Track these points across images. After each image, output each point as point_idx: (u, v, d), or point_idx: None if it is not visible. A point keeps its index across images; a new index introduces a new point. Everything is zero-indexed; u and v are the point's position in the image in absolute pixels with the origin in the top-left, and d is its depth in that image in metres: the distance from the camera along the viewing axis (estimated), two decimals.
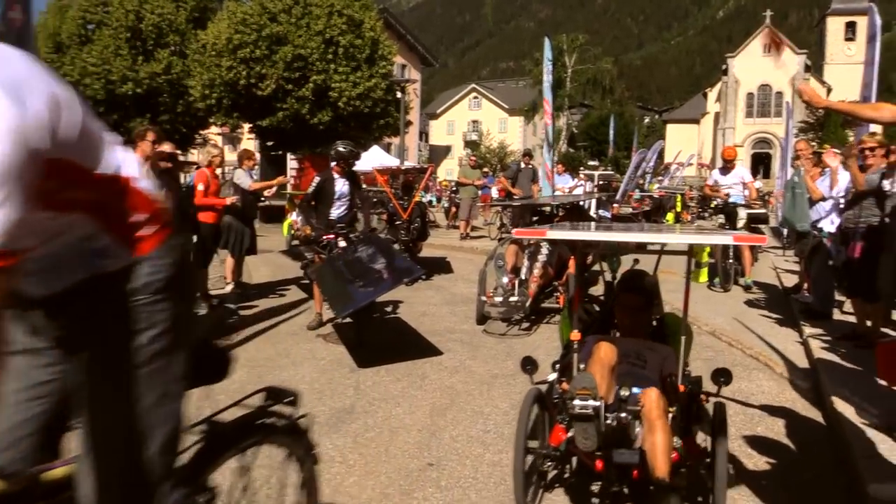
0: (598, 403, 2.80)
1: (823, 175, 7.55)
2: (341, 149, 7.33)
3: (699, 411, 3.31)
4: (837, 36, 66.08)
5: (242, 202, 8.24)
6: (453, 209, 19.02)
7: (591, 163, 43.78)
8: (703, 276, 9.77)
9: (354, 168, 7.70)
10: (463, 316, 7.83)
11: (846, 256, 6.16)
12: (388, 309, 8.11)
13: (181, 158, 17.58)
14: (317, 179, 7.41)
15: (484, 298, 7.29)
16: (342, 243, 6.92)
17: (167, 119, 23.47)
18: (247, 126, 23.29)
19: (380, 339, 6.59)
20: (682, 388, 3.26)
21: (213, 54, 20.61)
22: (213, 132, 27.23)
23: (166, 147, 6.87)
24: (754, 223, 10.11)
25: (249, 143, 31.52)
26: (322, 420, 4.49)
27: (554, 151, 14.54)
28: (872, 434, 3.86)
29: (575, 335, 3.43)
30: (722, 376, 3.26)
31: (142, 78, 22.69)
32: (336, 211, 7.36)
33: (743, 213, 9.72)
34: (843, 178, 6.99)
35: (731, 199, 9.88)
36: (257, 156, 26.28)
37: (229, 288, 8.58)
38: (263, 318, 7.52)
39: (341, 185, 7.35)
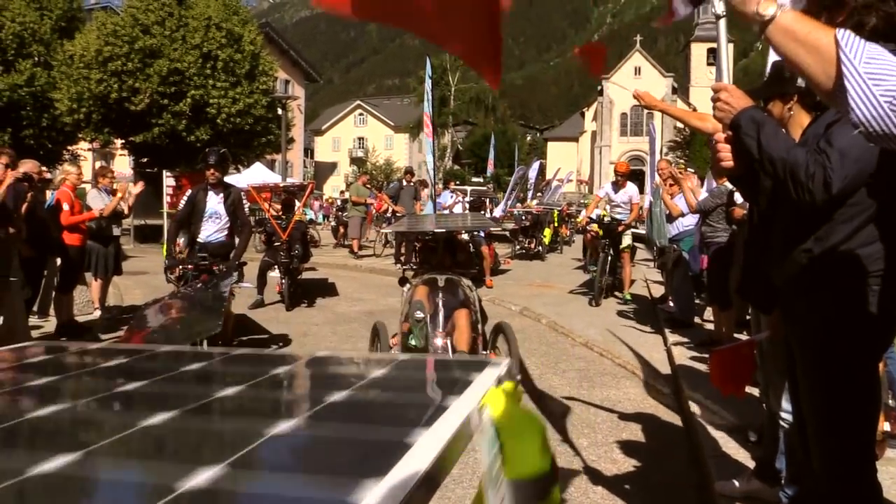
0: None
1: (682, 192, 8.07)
2: (210, 157, 6.25)
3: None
4: (700, 61, 70.55)
5: (97, 222, 7.86)
6: (341, 228, 18.89)
7: (475, 179, 44.62)
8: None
9: (231, 184, 6.70)
10: (344, 336, 7.77)
11: (698, 268, 6.65)
12: (266, 331, 7.91)
13: (47, 175, 16.50)
14: (189, 192, 6.56)
15: None
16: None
17: (31, 134, 22.15)
18: (119, 142, 22.30)
19: None
20: None
21: (81, 66, 19.67)
22: (84, 148, 25.82)
23: (26, 167, 6.49)
24: (637, 242, 10.50)
25: (123, 159, 30.16)
26: None
27: (440, 169, 14.69)
28: (720, 435, 4.18)
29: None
30: None
31: (1, 90, 21.29)
32: (205, 233, 6.22)
33: (628, 233, 9.80)
34: (680, 200, 7.67)
35: (617, 216, 9.81)
36: (129, 172, 25.19)
37: (98, 314, 8.21)
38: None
39: (215, 203, 6.23)
